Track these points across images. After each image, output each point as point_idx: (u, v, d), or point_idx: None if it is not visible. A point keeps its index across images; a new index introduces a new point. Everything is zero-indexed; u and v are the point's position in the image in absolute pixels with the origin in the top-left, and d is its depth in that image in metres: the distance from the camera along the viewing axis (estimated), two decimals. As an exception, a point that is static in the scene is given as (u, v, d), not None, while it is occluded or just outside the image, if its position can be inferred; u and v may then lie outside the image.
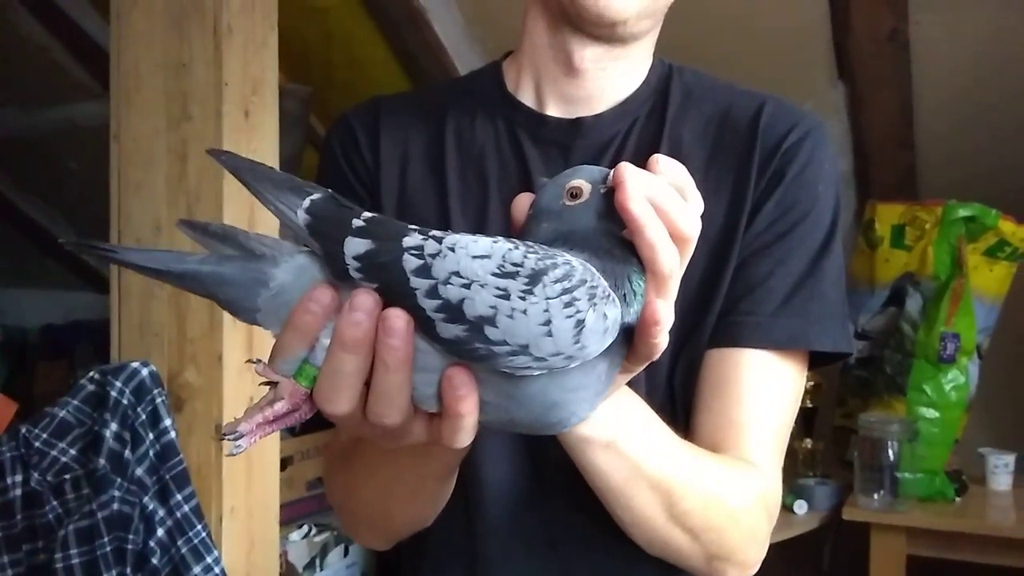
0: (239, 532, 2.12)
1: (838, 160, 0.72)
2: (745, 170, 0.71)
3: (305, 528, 2.57)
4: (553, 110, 0.75)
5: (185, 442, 1.79)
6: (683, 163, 0.71)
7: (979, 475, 2.12)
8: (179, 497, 1.58)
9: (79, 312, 4.61)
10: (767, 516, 0.68)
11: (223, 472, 2.07)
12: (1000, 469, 2.06)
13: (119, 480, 1.51)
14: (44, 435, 1.55)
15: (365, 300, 0.45)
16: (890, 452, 1.87)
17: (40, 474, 1.54)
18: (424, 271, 0.45)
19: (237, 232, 0.48)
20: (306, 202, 0.46)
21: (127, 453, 1.55)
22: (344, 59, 2.70)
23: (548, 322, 0.44)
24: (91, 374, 1.61)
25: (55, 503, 1.54)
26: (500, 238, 0.47)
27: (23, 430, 1.55)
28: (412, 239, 0.46)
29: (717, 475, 0.64)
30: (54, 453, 1.55)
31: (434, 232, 0.47)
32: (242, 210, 2.16)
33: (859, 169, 2.58)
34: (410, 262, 0.45)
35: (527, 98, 0.76)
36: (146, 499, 1.54)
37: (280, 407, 0.46)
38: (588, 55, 0.72)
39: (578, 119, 0.74)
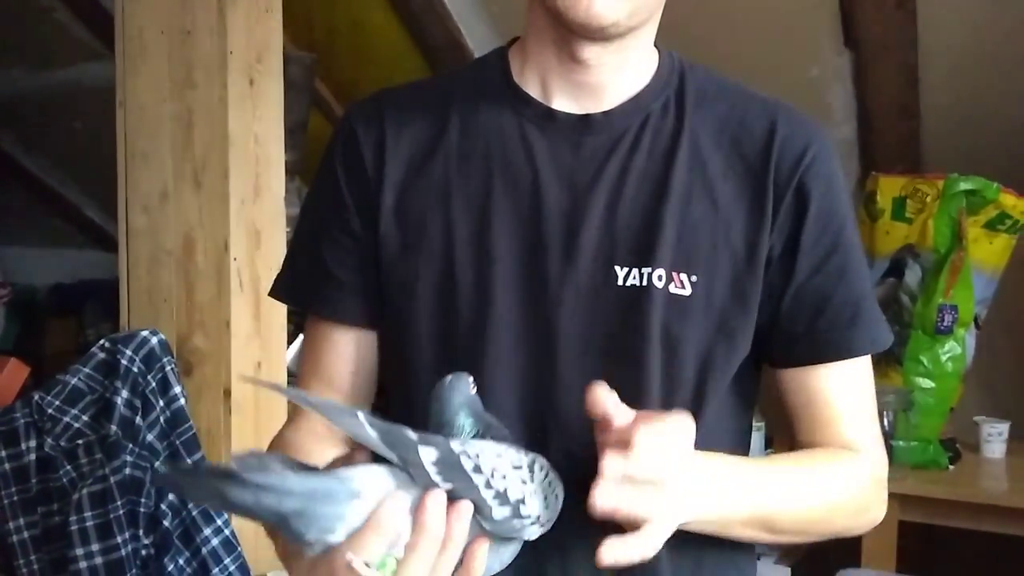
0: (248, 494, 2.18)
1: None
2: (761, 181, 0.72)
3: (312, 488, 2.64)
4: (560, 103, 0.74)
5: (195, 406, 1.83)
6: (702, 162, 0.72)
7: (973, 443, 2.16)
8: (189, 462, 1.63)
9: (87, 271, 4.65)
10: (875, 488, 0.77)
11: (232, 434, 2.12)
12: (994, 437, 2.10)
13: (130, 446, 1.56)
14: (57, 402, 1.59)
15: (442, 497, 0.55)
16: (885, 422, 1.90)
17: (54, 439, 1.58)
18: (478, 469, 0.56)
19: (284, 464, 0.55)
20: (363, 418, 0.54)
21: (138, 420, 1.59)
22: (347, 23, 2.69)
23: (546, 498, 0.59)
24: (102, 342, 1.64)
25: (69, 468, 1.59)
26: (491, 442, 0.60)
27: (36, 397, 1.59)
28: (456, 445, 0.57)
29: (814, 484, 0.72)
30: (67, 419, 1.59)
31: (453, 443, 0.58)
32: (248, 179, 2.17)
33: (862, 137, 2.58)
34: (467, 463, 0.56)
35: (533, 89, 0.75)
36: (157, 464, 1.59)
37: None
38: (587, 52, 0.72)
39: (587, 115, 0.73)
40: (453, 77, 0.83)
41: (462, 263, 0.71)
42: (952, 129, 2.43)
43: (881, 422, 1.92)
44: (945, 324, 1.95)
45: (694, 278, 0.70)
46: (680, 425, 0.60)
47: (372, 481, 0.53)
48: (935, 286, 1.96)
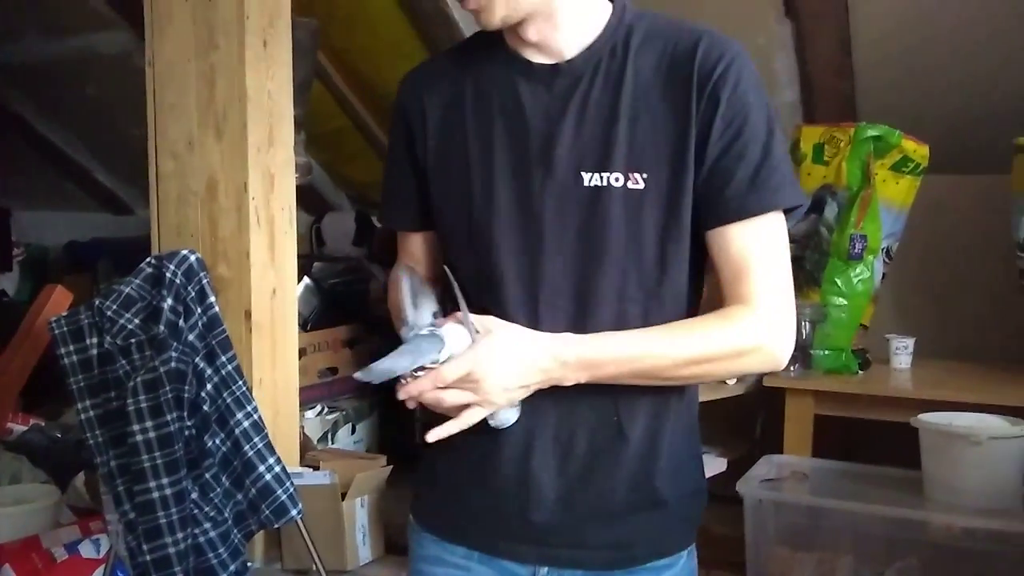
0: (267, 401, 2.51)
1: (757, 72, 0.96)
2: (687, 92, 0.93)
3: (318, 408, 2.97)
4: (536, 58, 0.98)
5: (220, 324, 2.12)
6: (646, 90, 0.98)
7: (885, 358, 2.51)
8: (223, 359, 1.94)
9: (97, 232, 4.84)
10: (763, 330, 0.92)
11: (252, 350, 2.45)
12: (901, 351, 2.44)
13: (175, 343, 1.87)
14: (114, 306, 1.90)
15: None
16: (803, 332, 2.25)
17: (112, 337, 1.90)
18: None
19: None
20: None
21: (181, 322, 1.90)
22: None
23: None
24: (149, 259, 1.96)
25: (124, 361, 1.90)
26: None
27: (97, 302, 1.91)
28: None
29: (670, 340, 0.92)
30: (122, 321, 1.91)
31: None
32: (263, 129, 2.50)
33: (805, 98, 2.89)
34: None
35: (519, 50, 0.99)
36: (197, 359, 1.90)
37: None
38: (519, 31, 0.97)
39: (556, 64, 0.97)
40: (467, 46, 1.09)
41: (475, 181, 0.98)
42: (884, 87, 2.74)
43: (800, 332, 2.28)
44: (856, 251, 2.28)
45: (645, 175, 0.93)
46: (488, 347, 0.90)
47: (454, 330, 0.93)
48: (848, 218, 2.29)
